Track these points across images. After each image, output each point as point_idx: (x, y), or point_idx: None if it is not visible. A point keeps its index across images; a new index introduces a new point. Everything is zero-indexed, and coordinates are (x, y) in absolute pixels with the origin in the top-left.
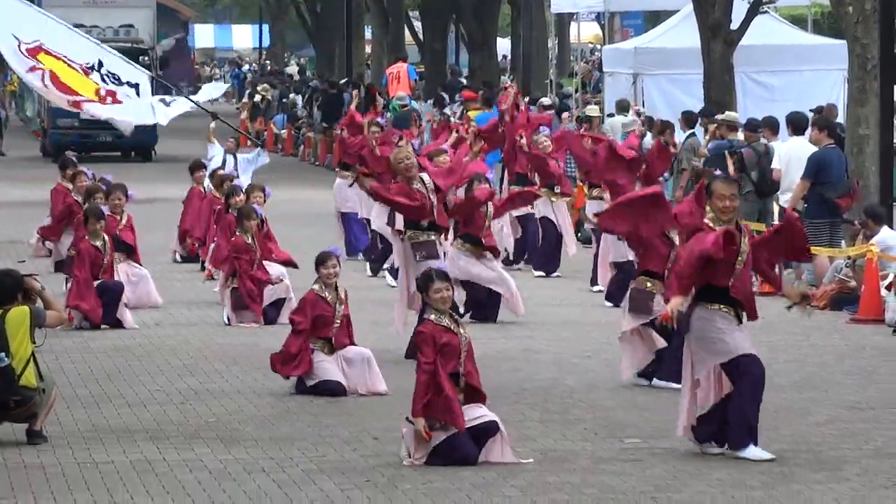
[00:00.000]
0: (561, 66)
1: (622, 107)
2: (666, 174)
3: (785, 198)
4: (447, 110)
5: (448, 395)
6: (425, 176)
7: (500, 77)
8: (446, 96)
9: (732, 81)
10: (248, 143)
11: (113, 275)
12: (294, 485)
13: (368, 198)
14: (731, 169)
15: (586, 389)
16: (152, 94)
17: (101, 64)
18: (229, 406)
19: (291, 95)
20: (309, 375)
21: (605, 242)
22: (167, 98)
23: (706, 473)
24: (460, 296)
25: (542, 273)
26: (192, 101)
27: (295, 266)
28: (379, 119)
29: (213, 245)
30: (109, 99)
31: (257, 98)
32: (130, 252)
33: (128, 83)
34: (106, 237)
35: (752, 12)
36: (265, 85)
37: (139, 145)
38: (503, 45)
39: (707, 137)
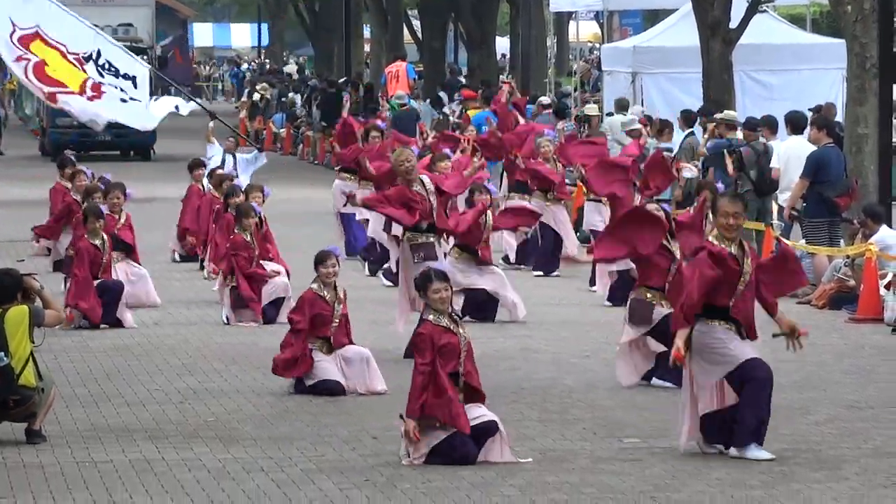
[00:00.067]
0: (560, 65)
1: (621, 105)
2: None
3: (784, 197)
4: (446, 109)
5: (450, 398)
6: (425, 178)
7: (499, 76)
8: (445, 95)
9: (731, 80)
10: (247, 143)
11: (111, 274)
12: (293, 484)
13: None
14: (729, 168)
15: (585, 389)
16: (151, 91)
17: (99, 53)
18: (228, 405)
19: (290, 94)
20: (308, 375)
21: None
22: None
23: (705, 473)
24: (458, 302)
25: (540, 273)
26: (192, 100)
27: (287, 275)
28: (379, 123)
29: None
30: (91, 92)
31: (256, 97)
32: (129, 251)
33: (125, 75)
34: (105, 236)
35: (751, 11)
36: (264, 84)
37: (138, 144)
38: (502, 44)
39: (706, 136)
